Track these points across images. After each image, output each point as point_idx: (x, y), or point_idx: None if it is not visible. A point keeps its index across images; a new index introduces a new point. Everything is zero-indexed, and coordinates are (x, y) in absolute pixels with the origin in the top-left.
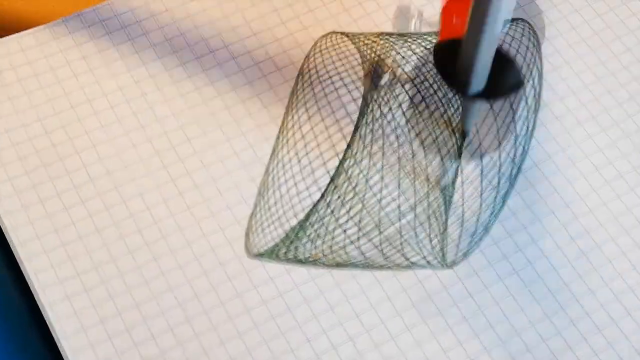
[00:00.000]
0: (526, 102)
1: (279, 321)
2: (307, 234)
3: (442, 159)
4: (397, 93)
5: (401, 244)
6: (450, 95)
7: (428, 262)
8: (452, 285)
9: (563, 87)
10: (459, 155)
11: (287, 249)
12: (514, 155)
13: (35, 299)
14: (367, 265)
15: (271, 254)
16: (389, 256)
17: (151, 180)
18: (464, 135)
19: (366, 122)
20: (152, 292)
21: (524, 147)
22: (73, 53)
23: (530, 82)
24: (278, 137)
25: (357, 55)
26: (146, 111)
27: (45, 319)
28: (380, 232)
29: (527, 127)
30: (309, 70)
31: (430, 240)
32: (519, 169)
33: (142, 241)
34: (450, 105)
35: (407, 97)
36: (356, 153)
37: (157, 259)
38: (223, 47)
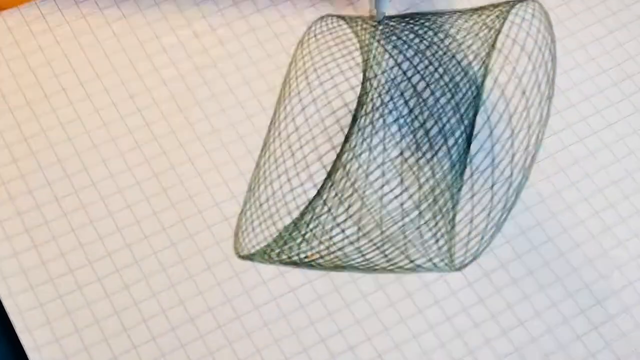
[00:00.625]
0: (539, 89)
1: (272, 328)
2: (302, 233)
3: (449, 150)
4: (399, 80)
5: (405, 244)
6: (457, 79)
7: (434, 264)
8: (461, 290)
9: (579, 73)
10: (468, 145)
11: (281, 250)
12: (527, 144)
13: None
14: (368, 268)
15: (263, 254)
16: (391, 258)
17: (131, 176)
18: (473, 123)
19: (365, 112)
20: (133, 299)
21: (537, 136)
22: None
23: (543, 67)
24: (270, 129)
25: (355, 40)
26: (126, 101)
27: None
28: (382, 232)
29: (541, 115)
30: (303, 57)
31: (437, 241)
32: (533, 159)
33: (123, 242)
34: (458, 90)
35: (409, 84)
36: (355, 146)
37: (139, 261)
38: (210, 31)
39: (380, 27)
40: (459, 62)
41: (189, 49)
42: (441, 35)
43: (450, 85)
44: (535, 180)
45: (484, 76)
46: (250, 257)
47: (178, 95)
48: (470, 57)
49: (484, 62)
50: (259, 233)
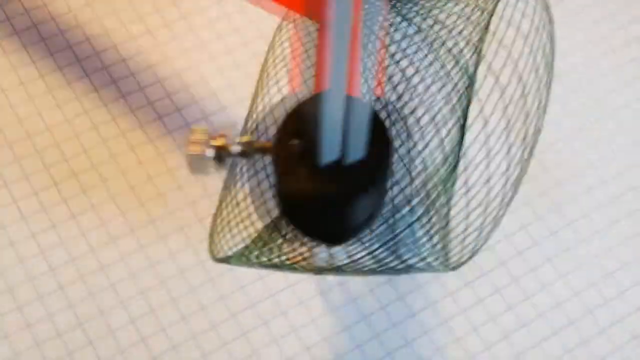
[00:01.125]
0: (536, 74)
1: (251, 337)
2: (283, 233)
3: (441, 141)
4: (386, 64)
5: (395, 243)
6: (449, 67)
7: (428, 264)
8: (458, 291)
9: (580, 56)
10: (462, 135)
11: (260, 252)
12: (525, 134)
13: None
14: (356, 269)
15: (241, 257)
16: (381, 259)
17: (96, 174)
18: (466, 114)
19: None
20: (98, 308)
21: (535, 126)
22: None
23: (540, 50)
24: (246, 121)
25: None
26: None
27: None
28: (371, 230)
29: (539, 102)
30: (282, 43)
31: (430, 238)
32: (532, 151)
33: (87, 247)
34: (450, 78)
35: (397, 68)
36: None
37: (105, 267)
38: (179, 18)
39: (366, 7)
40: (449, 50)
41: (159, 38)
42: (430, 22)
43: (442, 73)
44: (534, 173)
45: (477, 63)
46: (227, 260)
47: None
48: (462, 44)
49: (476, 49)
50: (237, 234)
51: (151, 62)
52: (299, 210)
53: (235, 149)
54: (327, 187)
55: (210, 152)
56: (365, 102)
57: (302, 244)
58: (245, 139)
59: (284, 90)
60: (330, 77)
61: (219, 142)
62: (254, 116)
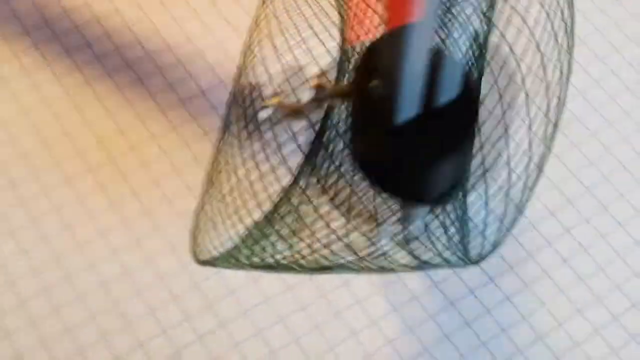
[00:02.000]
0: (556, 40)
1: (245, 349)
2: (277, 229)
3: None
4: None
5: (405, 236)
6: (455, 35)
7: (445, 259)
8: (481, 287)
9: (603, 18)
10: (475, 111)
11: (251, 251)
12: (547, 108)
13: None
14: (362, 267)
15: (229, 258)
16: (390, 254)
17: (61, 172)
18: (478, 87)
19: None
20: (64, 325)
21: (559, 97)
22: None
23: (559, 14)
24: (230, 106)
25: None
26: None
27: None
28: (378, 223)
29: (561, 72)
30: (266, 18)
31: (446, 230)
32: (556, 125)
33: (51, 254)
34: (457, 49)
35: None
36: (338, 122)
37: (71, 275)
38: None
39: None
40: (455, 16)
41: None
42: None
43: (448, 42)
44: (560, 150)
45: (488, 31)
46: (212, 262)
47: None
48: (469, 11)
49: (485, 14)
50: (223, 232)
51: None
52: (376, 170)
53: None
54: (409, 147)
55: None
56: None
57: (300, 240)
58: (274, 99)
59: (271, 70)
60: (422, 5)
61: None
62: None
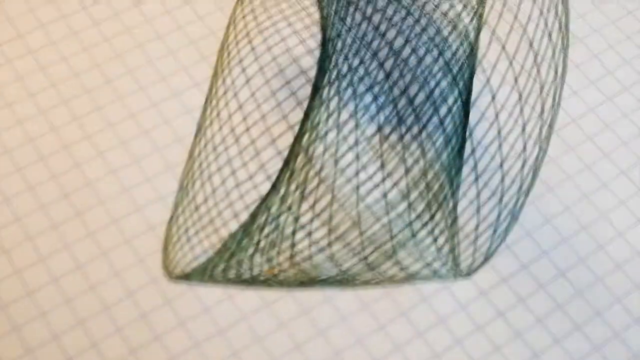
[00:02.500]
0: (550, 38)
1: None
2: (255, 242)
3: (441, 121)
4: (370, 37)
5: (392, 246)
6: (445, 33)
7: (434, 271)
8: (472, 302)
9: (598, 17)
10: (466, 114)
11: (227, 265)
12: (542, 109)
13: None
14: (346, 280)
15: (203, 273)
16: (376, 266)
17: (19, 179)
18: (470, 86)
19: (329, 81)
20: (25, 347)
21: (554, 98)
22: None
23: (553, 10)
24: (205, 109)
25: None
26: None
27: None
28: (361, 233)
29: (555, 72)
30: (244, 17)
31: (435, 240)
32: (551, 127)
33: (10, 269)
34: (447, 46)
35: (384, 42)
36: (318, 124)
37: (34, 292)
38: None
39: None
40: (445, 14)
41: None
42: None
43: (437, 40)
44: (556, 153)
45: (478, 28)
46: (186, 277)
47: (83, 72)
48: (459, 7)
49: (476, 11)
50: (197, 245)
51: None
52: None
53: None
54: None
55: None
56: None
57: (279, 253)
58: None
59: (247, 71)
60: None
61: None
62: (213, 102)
